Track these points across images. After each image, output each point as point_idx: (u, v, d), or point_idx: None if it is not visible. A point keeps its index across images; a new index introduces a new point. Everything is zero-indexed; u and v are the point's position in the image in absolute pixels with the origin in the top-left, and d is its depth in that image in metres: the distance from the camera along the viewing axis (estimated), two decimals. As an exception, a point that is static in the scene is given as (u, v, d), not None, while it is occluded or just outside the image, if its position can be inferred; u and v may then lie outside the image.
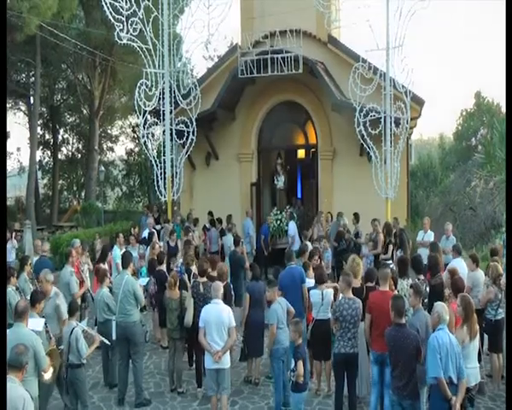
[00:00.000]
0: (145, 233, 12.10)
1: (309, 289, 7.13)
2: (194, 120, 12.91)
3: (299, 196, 16.41)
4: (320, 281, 6.92)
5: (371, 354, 6.00)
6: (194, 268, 8.15)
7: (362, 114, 11.59)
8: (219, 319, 5.95)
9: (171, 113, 12.94)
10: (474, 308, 5.27)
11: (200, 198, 15.14)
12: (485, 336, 7.15)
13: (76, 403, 6.03)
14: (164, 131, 13.11)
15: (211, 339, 5.95)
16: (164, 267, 8.53)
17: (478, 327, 5.30)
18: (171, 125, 12.92)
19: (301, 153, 16.52)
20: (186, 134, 13.00)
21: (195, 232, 12.55)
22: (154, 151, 13.53)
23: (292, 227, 12.64)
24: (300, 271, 7.40)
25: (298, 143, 15.81)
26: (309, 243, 9.76)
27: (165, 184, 12.92)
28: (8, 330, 4.87)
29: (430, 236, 10.67)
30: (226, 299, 6.64)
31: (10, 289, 6.89)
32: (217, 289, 6.12)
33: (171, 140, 13.01)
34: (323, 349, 6.73)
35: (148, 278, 8.95)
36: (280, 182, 14.38)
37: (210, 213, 13.43)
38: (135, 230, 13.14)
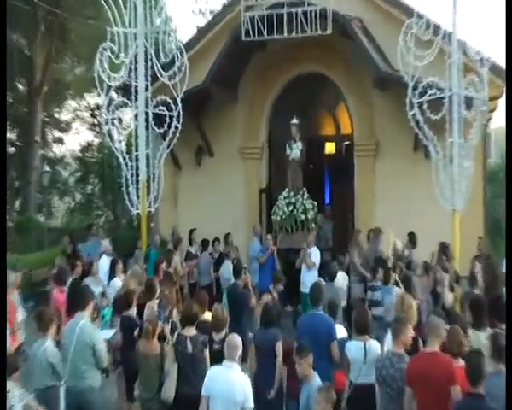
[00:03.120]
0: (102, 262, 12.10)
1: (342, 341, 7.20)
2: (179, 100, 12.98)
3: (326, 200, 16.78)
4: (362, 329, 6.92)
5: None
6: (176, 314, 8.26)
7: (417, 93, 11.46)
8: (229, 393, 5.83)
9: (146, 90, 13.04)
10: None
11: (188, 210, 15.35)
12: None
13: None
14: (136, 116, 13.23)
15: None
16: (133, 312, 8.55)
17: None
18: (146, 107, 12.99)
19: (330, 147, 16.69)
20: (168, 120, 13.05)
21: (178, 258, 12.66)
22: (123, 144, 13.93)
23: (315, 253, 12.66)
24: (328, 323, 7.44)
25: (325, 134, 16.01)
26: (345, 276, 9.66)
27: (137, 190, 13.04)
28: None
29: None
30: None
31: None
32: (233, 347, 6.08)
33: (147, 128, 13.10)
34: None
35: (114, 330, 8.93)
36: (295, 149, 14.19)
37: (191, 232, 13.83)
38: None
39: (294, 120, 14.29)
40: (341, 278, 11.46)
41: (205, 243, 13.41)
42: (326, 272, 10.61)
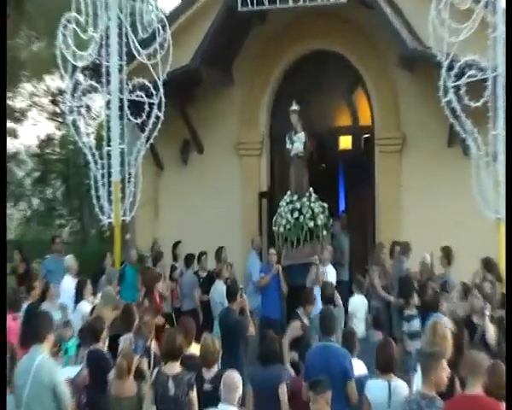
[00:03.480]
0: (66, 283, 12.05)
1: (361, 379, 7.21)
2: (160, 84, 13.04)
3: (341, 208, 16.60)
4: (386, 366, 6.93)
5: None
6: (154, 346, 8.31)
7: (453, 74, 11.56)
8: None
9: (120, 71, 13.07)
10: None
11: (172, 219, 15.35)
12: None
13: None
14: (108, 104, 13.27)
15: None
16: (104, 344, 8.51)
17: None
18: (120, 92, 13.02)
19: (345, 141, 16.61)
20: (147, 108, 13.10)
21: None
22: (91, 138, 14.03)
23: (331, 272, 12.73)
24: (344, 357, 7.44)
25: (340, 125, 15.99)
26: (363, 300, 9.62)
27: (109, 194, 13.07)
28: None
29: None
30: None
31: None
32: (231, 387, 6.12)
33: (122, 119, 13.11)
34: None
35: (80, 367, 8.92)
36: (297, 142, 14.04)
37: (175, 246, 13.94)
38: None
39: (294, 106, 14.15)
40: (359, 303, 11.55)
41: (189, 259, 13.48)
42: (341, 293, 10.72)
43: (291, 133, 14.12)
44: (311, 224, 13.37)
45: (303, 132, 14.05)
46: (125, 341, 8.69)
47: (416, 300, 10.57)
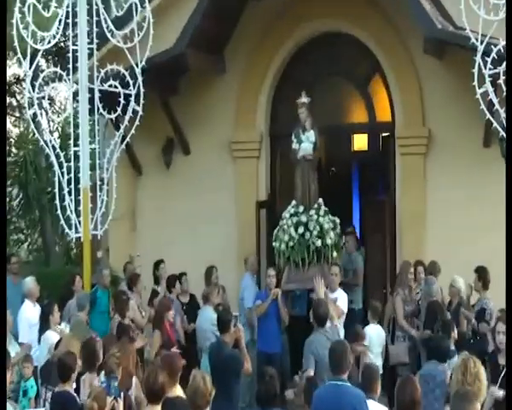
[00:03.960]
0: (25, 310, 12.02)
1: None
2: (139, 71, 12.97)
3: (354, 219, 16.56)
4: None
5: None
6: (134, 386, 8.32)
7: (490, 61, 11.45)
8: None
9: (90, 56, 13.09)
10: None
11: (152, 233, 15.50)
12: None
13: None
14: (76, 95, 13.22)
15: None
16: (71, 386, 8.41)
17: None
18: (90, 81, 13.02)
19: (360, 141, 16.80)
20: (123, 101, 13.09)
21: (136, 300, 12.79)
22: (55, 136, 13.95)
23: (343, 299, 12.63)
24: (358, 399, 7.42)
25: (353, 122, 16.04)
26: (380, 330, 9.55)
27: (77, 204, 12.99)
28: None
29: None
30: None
31: None
32: None
33: (92, 113, 13.32)
34: None
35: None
36: (305, 143, 14.00)
37: (157, 266, 13.97)
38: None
39: (303, 98, 14.08)
40: (374, 335, 11.65)
41: (171, 281, 13.47)
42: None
43: (298, 131, 14.06)
44: (319, 243, 13.36)
45: (312, 131, 14.02)
46: (89, 380, 8.68)
47: (455, 332, 10.51)
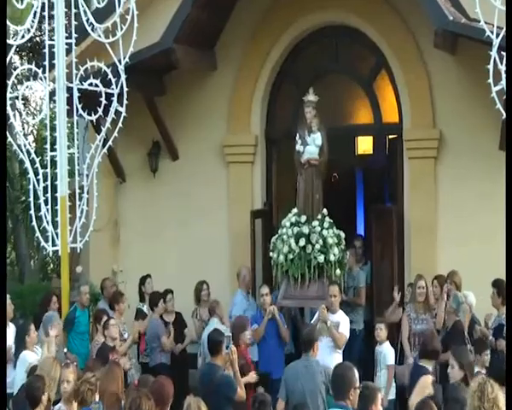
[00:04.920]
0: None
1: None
2: (122, 69, 12.96)
3: (358, 230, 17.16)
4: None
5: None
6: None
7: (505, 55, 11.16)
8: None
9: (68, 53, 13.16)
10: None
11: (137, 246, 15.52)
12: None
13: None
14: (52, 95, 13.33)
15: None
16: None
17: None
18: (69, 80, 13.03)
19: (365, 143, 17.22)
20: (105, 101, 13.04)
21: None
22: (30, 140, 14.04)
23: (344, 322, 12.55)
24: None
25: (358, 123, 16.18)
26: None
27: (54, 214, 13.06)
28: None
29: None
30: None
31: None
32: None
33: (71, 115, 13.24)
34: None
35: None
36: (311, 146, 13.81)
37: (143, 281, 14.11)
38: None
39: (310, 96, 13.92)
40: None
41: (155, 298, 13.25)
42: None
43: (304, 132, 13.89)
44: (322, 258, 13.21)
45: (319, 133, 13.84)
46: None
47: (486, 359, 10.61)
